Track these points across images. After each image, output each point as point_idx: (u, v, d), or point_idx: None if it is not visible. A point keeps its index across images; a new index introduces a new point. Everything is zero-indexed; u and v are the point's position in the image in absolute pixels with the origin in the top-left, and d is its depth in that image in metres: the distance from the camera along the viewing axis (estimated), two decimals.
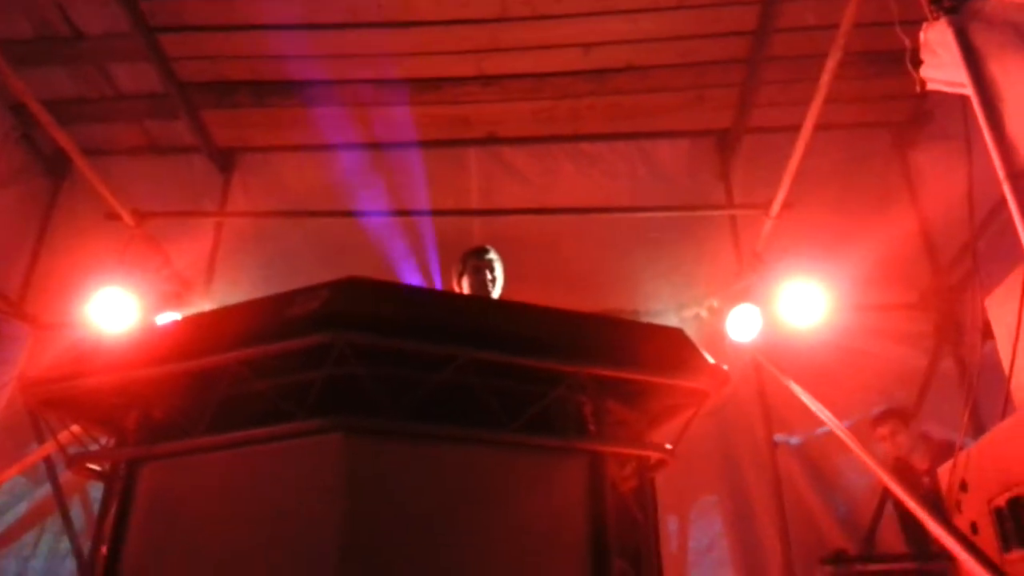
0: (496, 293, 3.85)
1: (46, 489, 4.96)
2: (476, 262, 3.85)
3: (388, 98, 5.66)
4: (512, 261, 4.02)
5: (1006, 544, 2.52)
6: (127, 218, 4.91)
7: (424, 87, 5.61)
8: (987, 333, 3.03)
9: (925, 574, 3.90)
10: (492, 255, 3.91)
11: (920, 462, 4.47)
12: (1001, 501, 2.53)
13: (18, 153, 5.65)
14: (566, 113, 5.85)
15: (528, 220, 5.53)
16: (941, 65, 2.75)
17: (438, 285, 5.07)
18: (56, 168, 5.97)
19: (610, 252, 5.59)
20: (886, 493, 4.39)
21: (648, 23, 5.16)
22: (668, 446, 2.30)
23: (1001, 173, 2.48)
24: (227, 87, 5.61)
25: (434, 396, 1.94)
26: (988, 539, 2.61)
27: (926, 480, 4.34)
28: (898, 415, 4.62)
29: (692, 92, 5.71)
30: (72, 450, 2.29)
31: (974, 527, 2.72)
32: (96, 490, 4.17)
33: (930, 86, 2.88)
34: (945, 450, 4.07)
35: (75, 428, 2.39)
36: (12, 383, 4.97)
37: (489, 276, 3.81)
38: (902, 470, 4.44)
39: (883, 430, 4.57)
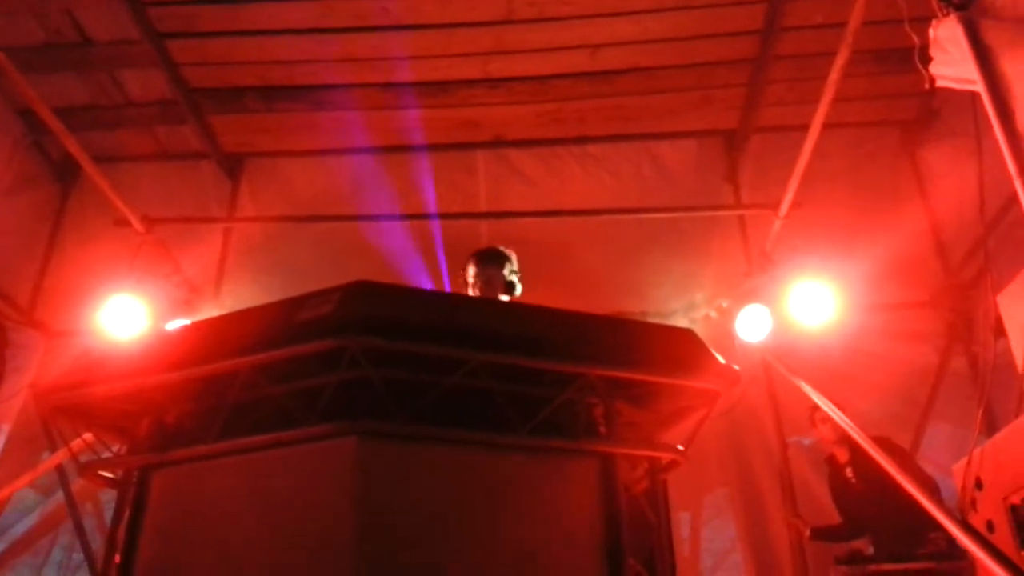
0: (518, 291, 3.72)
1: (59, 497, 4.98)
2: (486, 273, 3.62)
3: (395, 102, 5.68)
4: (520, 263, 4.00)
5: (1023, 541, 2.51)
6: (136, 224, 4.93)
7: (431, 90, 5.62)
8: (999, 330, 3.02)
9: (941, 573, 3.88)
10: (494, 264, 3.64)
11: (841, 455, 4.63)
12: (1017, 498, 2.52)
13: (28, 160, 5.68)
14: (573, 115, 5.85)
15: (535, 222, 5.53)
16: (951, 62, 2.74)
17: (447, 288, 5.07)
18: (66, 174, 6.02)
19: (618, 253, 5.59)
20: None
21: (654, 24, 5.15)
22: (679, 447, 2.29)
23: (1012, 169, 2.47)
24: (235, 93, 5.64)
25: (446, 399, 1.93)
26: (1004, 536, 2.59)
27: (848, 472, 4.56)
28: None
29: (699, 92, 5.71)
30: (84, 458, 2.29)
31: (990, 525, 2.71)
32: (108, 498, 4.20)
33: (940, 83, 2.87)
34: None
35: (87, 436, 2.39)
36: (24, 391, 4.99)
37: (490, 287, 3.59)
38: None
39: (823, 413, 4.59)
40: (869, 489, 4.35)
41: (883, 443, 4.60)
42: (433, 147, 5.97)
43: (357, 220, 5.60)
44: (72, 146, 4.48)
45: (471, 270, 3.67)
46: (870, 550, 4.39)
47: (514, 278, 3.66)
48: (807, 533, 4.65)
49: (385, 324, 1.90)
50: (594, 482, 2.05)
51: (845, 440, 4.48)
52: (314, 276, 4.55)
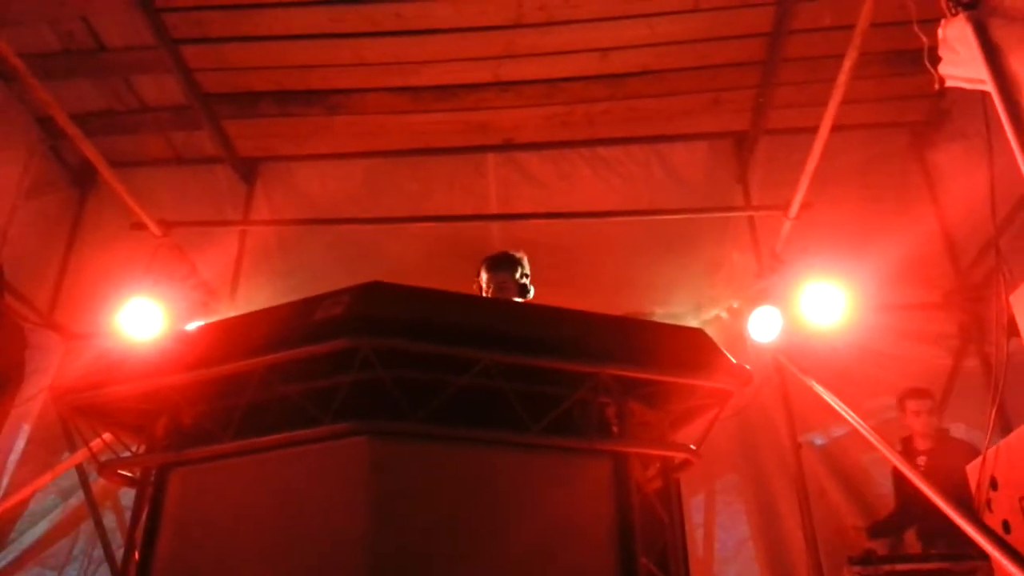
0: (531, 294, 3.75)
1: (79, 497, 5.04)
2: (498, 279, 3.64)
3: (407, 105, 5.71)
4: (531, 265, 4.02)
5: None
6: (153, 228, 4.98)
7: (442, 94, 5.65)
8: (1012, 331, 3.00)
9: (955, 574, 3.86)
10: (506, 268, 3.66)
11: (921, 444, 4.61)
12: None
13: (46, 165, 5.74)
14: (583, 118, 5.86)
15: (546, 224, 5.55)
16: (960, 62, 2.74)
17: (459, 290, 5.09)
18: (83, 179, 6.09)
19: (628, 255, 5.60)
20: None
21: (664, 27, 5.16)
22: (692, 446, 2.30)
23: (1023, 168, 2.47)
24: (249, 97, 5.68)
25: (458, 399, 1.95)
26: (1021, 537, 2.59)
27: (920, 460, 4.50)
28: (932, 396, 4.65)
29: (709, 95, 5.71)
30: (104, 457, 2.33)
31: (1006, 525, 2.70)
32: (127, 497, 4.25)
33: (949, 83, 2.87)
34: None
35: (106, 436, 2.43)
36: (43, 392, 5.05)
37: (505, 289, 3.62)
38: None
39: (919, 405, 4.57)
40: (933, 483, 4.31)
41: (957, 443, 4.62)
42: (444, 150, 6.02)
43: (370, 223, 5.64)
44: (89, 151, 4.53)
45: (483, 276, 3.70)
46: (882, 550, 4.38)
47: (526, 281, 3.69)
48: (865, 535, 4.65)
49: (397, 324, 1.92)
50: (607, 481, 2.06)
51: (933, 435, 4.49)
52: (328, 278, 4.60)
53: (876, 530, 4.70)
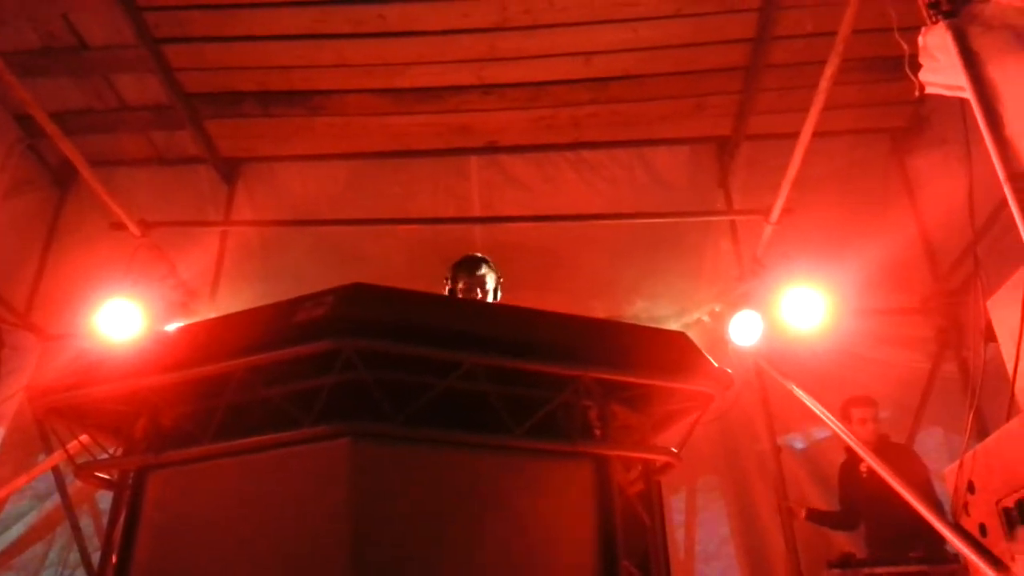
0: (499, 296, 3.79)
1: (54, 500, 4.97)
2: (467, 279, 3.69)
3: (390, 107, 5.70)
4: (513, 268, 4.02)
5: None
6: (133, 228, 4.94)
7: (425, 96, 5.64)
8: (989, 336, 3.04)
9: None
10: (484, 270, 3.72)
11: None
12: (1009, 502, 2.54)
13: (24, 164, 5.68)
14: (566, 121, 5.88)
15: (529, 227, 5.56)
16: (940, 69, 2.77)
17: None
18: (62, 178, 6.03)
19: (611, 258, 5.62)
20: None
21: (648, 32, 5.19)
22: (673, 449, 2.31)
23: (1001, 175, 2.50)
24: (231, 98, 5.65)
25: (440, 401, 1.95)
26: (997, 539, 2.62)
27: (863, 467, 4.50)
28: (874, 403, 4.65)
29: (692, 100, 5.75)
30: (81, 459, 2.31)
31: (983, 528, 2.73)
32: (105, 500, 4.19)
33: (929, 90, 2.90)
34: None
35: (84, 438, 2.40)
36: (19, 394, 4.99)
37: (479, 293, 3.67)
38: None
39: (864, 413, 4.59)
40: (879, 488, 4.36)
41: (901, 449, 4.66)
42: (427, 152, 6.01)
43: (352, 224, 5.62)
44: (68, 150, 4.48)
45: (451, 279, 3.71)
46: (862, 553, 4.41)
47: (493, 285, 3.71)
48: (802, 515, 4.68)
49: (379, 326, 1.92)
50: (589, 484, 2.07)
51: (877, 443, 4.49)
52: (310, 280, 4.57)
53: (814, 517, 4.73)
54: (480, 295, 3.66)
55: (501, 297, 3.77)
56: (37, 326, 5.48)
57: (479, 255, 3.83)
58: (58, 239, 5.90)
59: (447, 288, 3.74)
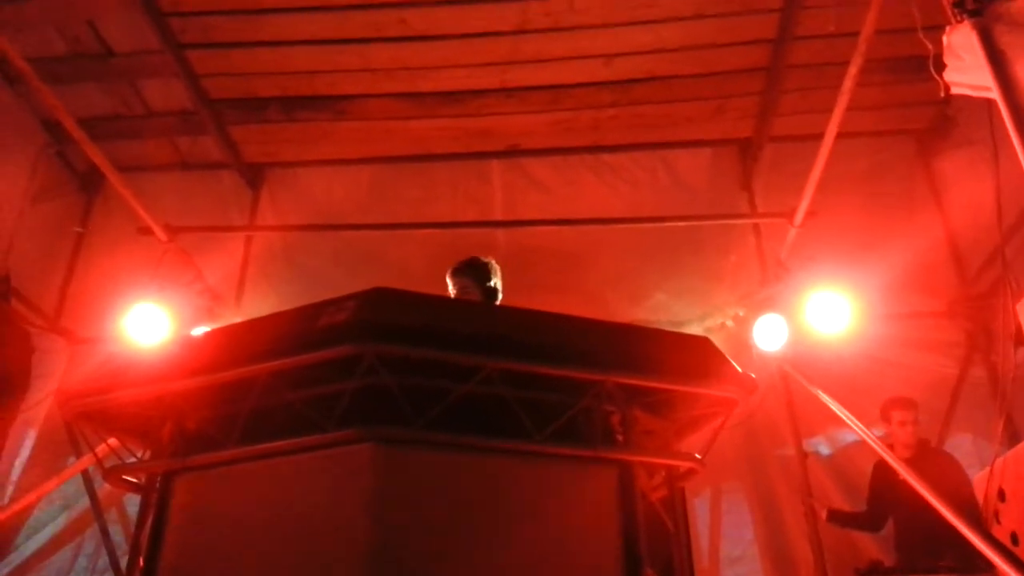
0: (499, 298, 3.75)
1: (83, 504, 5.03)
2: (456, 283, 3.65)
3: (412, 111, 5.72)
4: (534, 271, 4.01)
5: None
6: (159, 233, 4.99)
7: (447, 100, 5.66)
8: (1019, 340, 3.00)
9: None
10: (467, 272, 3.65)
11: (903, 453, 4.51)
12: None
13: (52, 169, 5.75)
14: (588, 124, 5.87)
15: (551, 230, 5.55)
16: (965, 69, 2.73)
17: None
18: (89, 184, 6.11)
19: (633, 262, 5.59)
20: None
21: (669, 33, 5.17)
22: (697, 455, 2.29)
23: None
24: (255, 103, 5.69)
25: (462, 406, 1.95)
26: None
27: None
28: (915, 405, 4.59)
29: (714, 102, 5.71)
30: (109, 463, 2.33)
31: (1014, 537, 2.68)
32: (133, 503, 4.24)
33: (954, 90, 2.86)
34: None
35: (112, 441, 2.43)
36: (49, 397, 5.05)
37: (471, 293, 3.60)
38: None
39: (905, 415, 4.53)
40: (913, 490, 4.30)
41: (941, 455, 4.60)
42: (449, 156, 6.02)
43: (375, 229, 5.65)
44: (95, 156, 4.54)
45: (448, 282, 3.69)
46: (889, 561, 4.35)
47: (492, 285, 3.67)
48: (824, 515, 4.62)
49: (401, 331, 1.92)
50: (612, 490, 2.05)
51: (917, 446, 4.46)
52: (333, 284, 4.60)
53: (836, 517, 4.67)
54: (469, 296, 3.60)
55: (518, 300, 3.70)
56: (66, 330, 5.56)
57: (469, 258, 3.76)
58: (86, 244, 5.97)
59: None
